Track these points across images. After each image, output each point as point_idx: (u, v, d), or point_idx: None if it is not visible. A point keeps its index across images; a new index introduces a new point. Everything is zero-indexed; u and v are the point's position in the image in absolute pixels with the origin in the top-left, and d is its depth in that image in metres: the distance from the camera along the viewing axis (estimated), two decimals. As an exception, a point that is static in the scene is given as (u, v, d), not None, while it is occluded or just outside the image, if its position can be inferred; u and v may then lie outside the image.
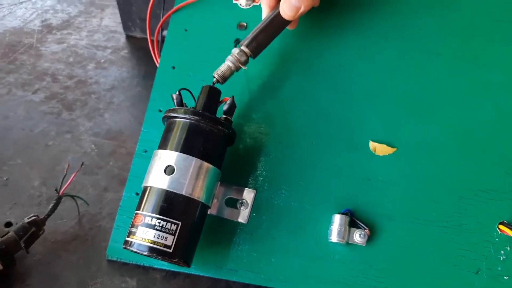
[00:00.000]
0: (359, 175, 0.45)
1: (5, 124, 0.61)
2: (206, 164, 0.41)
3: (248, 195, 0.45)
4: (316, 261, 0.43)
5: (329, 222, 0.43)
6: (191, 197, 0.40)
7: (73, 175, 0.47)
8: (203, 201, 0.41)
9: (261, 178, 0.46)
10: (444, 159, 0.44)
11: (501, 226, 0.42)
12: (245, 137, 0.48)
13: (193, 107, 0.43)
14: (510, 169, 0.44)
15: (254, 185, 0.46)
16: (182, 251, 0.39)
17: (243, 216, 0.45)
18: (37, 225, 0.45)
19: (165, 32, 0.53)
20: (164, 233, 0.39)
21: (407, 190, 0.44)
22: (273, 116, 0.48)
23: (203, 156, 0.41)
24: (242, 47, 0.44)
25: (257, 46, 0.45)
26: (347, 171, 0.45)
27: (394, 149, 0.45)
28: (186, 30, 0.52)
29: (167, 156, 0.41)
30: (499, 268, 0.41)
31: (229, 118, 0.44)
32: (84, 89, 0.67)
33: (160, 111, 0.49)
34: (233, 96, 0.44)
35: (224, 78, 0.44)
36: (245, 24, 0.51)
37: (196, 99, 0.44)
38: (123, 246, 0.40)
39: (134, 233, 0.39)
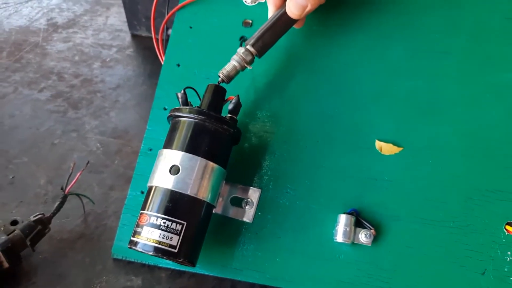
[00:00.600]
0: (365, 175, 0.45)
1: (11, 122, 0.62)
2: (211, 163, 0.41)
3: (254, 194, 0.45)
4: (321, 261, 0.43)
5: (335, 222, 0.43)
6: (196, 197, 0.40)
7: (78, 174, 0.47)
8: (208, 201, 0.41)
9: (266, 177, 0.46)
10: (451, 159, 0.44)
11: (508, 227, 0.42)
12: (250, 135, 0.47)
13: (198, 106, 0.43)
14: (517, 170, 0.43)
15: (259, 184, 0.46)
16: (187, 251, 0.39)
17: (248, 215, 0.45)
18: (43, 223, 0.45)
19: (170, 31, 0.53)
20: (169, 233, 0.39)
21: (413, 190, 0.44)
22: (279, 115, 0.48)
23: (208, 155, 0.41)
24: (248, 46, 0.44)
25: (263, 45, 0.44)
26: (353, 171, 0.45)
27: (401, 149, 0.45)
28: (191, 27, 0.52)
29: (172, 156, 0.41)
30: (506, 269, 0.41)
31: (234, 117, 0.44)
32: (90, 87, 0.68)
33: (165, 109, 0.49)
34: (238, 95, 0.44)
35: (229, 78, 0.44)
36: (250, 21, 0.51)
37: (201, 97, 0.44)
38: (129, 246, 0.40)
39: (139, 233, 0.39)
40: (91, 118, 0.63)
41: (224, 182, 0.44)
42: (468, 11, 0.48)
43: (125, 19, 0.78)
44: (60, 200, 0.47)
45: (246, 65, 0.44)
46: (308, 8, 0.44)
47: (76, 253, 0.47)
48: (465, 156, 0.44)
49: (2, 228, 0.44)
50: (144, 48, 0.76)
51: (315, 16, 0.49)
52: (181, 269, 0.45)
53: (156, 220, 0.39)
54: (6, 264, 0.42)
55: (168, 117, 0.44)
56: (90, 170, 0.55)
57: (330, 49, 0.49)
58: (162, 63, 0.52)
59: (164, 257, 0.39)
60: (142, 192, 0.47)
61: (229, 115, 0.44)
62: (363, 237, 0.42)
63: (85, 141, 0.59)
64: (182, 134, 0.41)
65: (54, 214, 0.46)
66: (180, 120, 0.42)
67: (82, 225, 0.50)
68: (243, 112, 0.47)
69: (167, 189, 0.40)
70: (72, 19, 0.82)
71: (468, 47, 0.47)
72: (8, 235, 0.43)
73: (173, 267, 0.45)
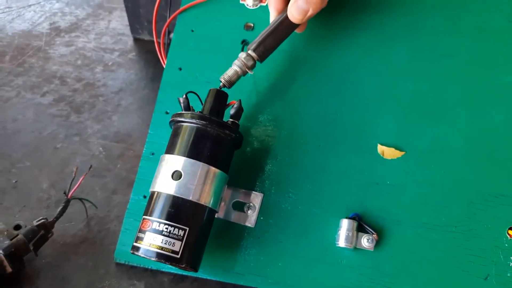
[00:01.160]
0: (367, 179, 0.45)
1: (14, 126, 0.62)
2: (213, 169, 0.41)
3: (256, 198, 0.45)
4: (323, 265, 0.43)
5: (337, 226, 0.43)
6: (199, 202, 0.40)
7: (81, 178, 0.48)
8: (210, 206, 0.41)
9: (268, 182, 0.46)
10: (453, 163, 0.44)
11: (510, 232, 0.42)
12: (252, 140, 0.47)
13: (200, 111, 0.43)
14: (520, 174, 0.43)
15: (261, 189, 0.46)
16: (190, 256, 0.39)
17: (250, 220, 0.45)
18: (46, 227, 0.45)
19: (172, 35, 0.53)
20: (172, 238, 0.39)
21: (415, 195, 0.43)
22: (281, 118, 0.48)
23: (210, 161, 0.41)
24: (249, 51, 0.44)
25: (265, 50, 0.44)
26: (355, 175, 0.45)
27: (403, 153, 0.45)
28: (192, 31, 0.52)
29: (174, 161, 0.41)
30: (508, 274, 0.41)
31: (236, 122, 0.44)
32: (92, 91, 0.68)
33: (167, 113, 0.50)
34: (240, 100, 0.44)
35: (230, 83, 0.44)
36: (252, 24, 0.51)
37: (203, 102, 0.44)
38: (131, 251, 0.40)
39: (141, 239, 0.39)
40: (94, 122, 0.63)
41: (226, 186, 0.44)
42: (471, 13, 0.48)
43: (127, 23, 0.78)
44: (63, 204, 0.47)
45: (247, 70, 0.44)
46: (310, 13, 0.43)
47: (79, 257, 0.47)
48: (468, 160, 0.44)
49: (5, 233, 0.44)
50: (146, 52, 0.76)
51: (317, 18, 0.49)
52: (184, 273, 0.45)
53: (159, 226, 0.39)
54: (9, 269, 0.43)
55: (170, 122, 0.44)
56: (93, 174, 0.55)
57: (331, 51, 0.49)
58: (164, 66, 0.52)
59: (167, 263, 0.39)
60: (145, 197, 0.47)
61: (231, 119, 0.44)
62: (365, 242, 0.42)
63: (88, 145, 0.59)
64: (184, 139, 0.41)
65: (57, 218, 0.47)
66: (182, 125, 0.42)
67: (85, 229, 0.50)
68: (245, 116, 0.47)
69: (169, 195, 0.40)
70: (74, 23, 0.82)
71: (472, 49, 0.47)
72: (11, 239, 0.43)
73: (175, 272, 0.45)
